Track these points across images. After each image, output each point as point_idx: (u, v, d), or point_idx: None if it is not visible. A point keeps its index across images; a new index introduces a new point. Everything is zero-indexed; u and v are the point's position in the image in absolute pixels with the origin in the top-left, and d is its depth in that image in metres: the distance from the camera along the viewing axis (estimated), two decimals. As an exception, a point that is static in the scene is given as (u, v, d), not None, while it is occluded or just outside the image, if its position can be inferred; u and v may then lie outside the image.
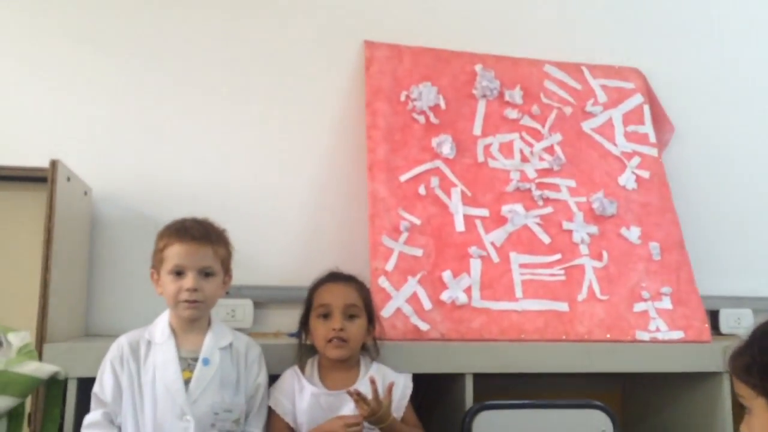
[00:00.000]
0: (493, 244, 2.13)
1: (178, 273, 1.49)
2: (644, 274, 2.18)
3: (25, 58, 2.13)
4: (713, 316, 2.38)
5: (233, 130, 2.23)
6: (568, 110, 2.38)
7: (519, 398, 1.76)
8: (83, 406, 1.56)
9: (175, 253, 1.49)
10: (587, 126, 2.38)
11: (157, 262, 1.53)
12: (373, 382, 1.47)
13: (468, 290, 2.05)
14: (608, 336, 2.05)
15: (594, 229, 2.22)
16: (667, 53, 2.62)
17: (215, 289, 1.53)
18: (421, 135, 2.23)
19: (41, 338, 1.60)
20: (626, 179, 2.32)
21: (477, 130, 2.29)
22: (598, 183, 2.30)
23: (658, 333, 2.09)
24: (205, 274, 1.51)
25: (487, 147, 2.27)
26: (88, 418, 1.46)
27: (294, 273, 2.13)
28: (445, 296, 2.02)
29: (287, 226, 2.21)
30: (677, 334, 2.10)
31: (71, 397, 1.55)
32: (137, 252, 2.04)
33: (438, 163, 2.20)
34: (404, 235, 2.07)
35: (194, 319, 1.52)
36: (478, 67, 2.36)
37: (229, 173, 2.20)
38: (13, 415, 1.05)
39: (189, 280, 1.48)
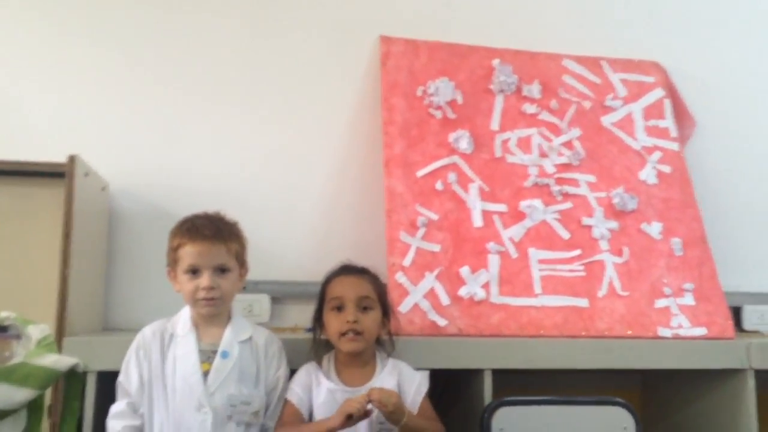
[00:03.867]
0: (511, 239, 2.11)
1: (194, 272, 1.50)
2: (666, 270, 2.15)
3: (44, 56, 2.15)
4: (736, 313, 2.34)
5: (249, 125, 2.23)
6: (587, 105, 2.35)
7: (538, 394, 1.74)
8: (103, 400, 1.57)
9: (189, 253, 1.49)
10: (607, 121, 2.35)
11: (172, 261, 1.54)
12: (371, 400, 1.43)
13: (486, 286, 2.03)
14: (629, 332, 2.02)
15: (614, 224, 2.19)
16: (688, 46, 2.59)
17: (232, 285, 1.53)
18: (437, 130, 2.21)
19: (60, 332, 1.61)
20: (647, 174, 2.29)
21: (495, 125, 2.27)
22: (618, 178, 2.27)
23: (680, 329, 2.05)
24: (221, 270, 1.51)
25: (504, 142, 2.25)
26: (114, 408, 1.47)
27: (311, 268, 2.12)
28: (463, 292, 2.00)
29: (304, 221, 2.21)
30: (700, 331, 2.07)
31: (90, 391, 1.56)
32: (155, 246, 2.03)
33: (455, 158, 2.19)
34: (421, 231, 2.06)
35: (213, 315, 1.53)
36: (495, 62, 2.33)
37: (245, 169, 2.20)
38: (33, 408, 1.05)
39: (205, 279, 1.48)
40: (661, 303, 2.10)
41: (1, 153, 1.87)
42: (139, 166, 2.13)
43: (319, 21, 2.33)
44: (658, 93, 2.45)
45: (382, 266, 1.88)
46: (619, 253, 2.15)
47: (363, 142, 2.27)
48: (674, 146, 2.37)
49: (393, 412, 1.42)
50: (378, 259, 1.93)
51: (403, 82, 2.25)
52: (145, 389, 1.48)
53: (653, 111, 2.41)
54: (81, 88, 2.15)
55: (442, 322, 1.95)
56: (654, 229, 2.21)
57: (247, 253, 1.60)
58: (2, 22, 2.14)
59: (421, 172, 2.14)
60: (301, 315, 2.12)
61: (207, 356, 1.49)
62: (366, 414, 1.42)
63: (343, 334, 1.53)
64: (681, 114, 2.47)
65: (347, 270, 1.63)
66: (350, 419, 1.40)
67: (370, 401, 1.41)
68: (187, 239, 1.50)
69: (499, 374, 1.76)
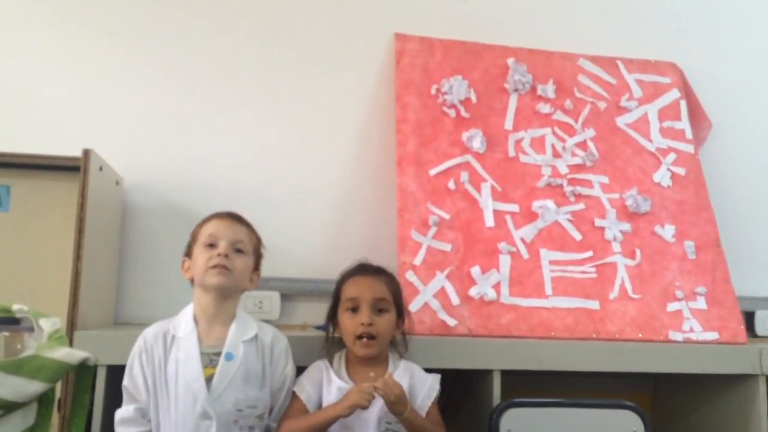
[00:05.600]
0: (522, 239, 2.10)
1: (211, 245, 1.50)
2: (678, 274, 2.13)
3: (60, 51, 2.16)
4: (749, 318, 2.32)
5: (262, 122, 2.24)
6: (602, 105, 2.34)
7: (547, 396, 1.73)
8: (112, 393, 1.58)
9: (210, 227, 1.52)
10: (621, 121, 2.34)
11: (192, 243, 1.54)
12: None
13: (497, 286, 2.02)
14: (640, 335, 2.01)
15: (627, 226, 2.17)
16: (705, 47, 2.56)
17: (244, 268, 1.51)
18: (451, 129, 2.21)
19: (72, 326, 1.63)
20: (661, 176, 2.27)
21: (508, 125, 2.26)
22: (632, 179, 2.25)
23: (691, 333, 2.04)
24: (237, 249, 1.51)
25: (518, 142, 2.24)
26: (121, 414, 1.44)
27: (321, 266, 2.13)
28: (473, 292, 2.00)
29: (315, 218, 2.21)
30: (711, 335, 2.05)
31: (100, 384, 1.57)
32: (167, 241, 2.06)
33: (468, 157, 2.18)
34: (433, 230, 2.06)
35: (222, 291, 1.48)
36: (510, 61, 2.32)
37: (258, 165, 2.21)
38: (43, 401, 1.05)
39: (221, 248, 1.48)
40: (673, 306, 2.08)
41: (18, 146, 1.88)
42: (153, 161, 2.14)
43: (335, 18, 2.33)
44: (674, 94, 2.42)
45: (392, 264, 1.87)
46: (632, 256, 2.13)
47: (376, 139, 2.27)
48: (689, 148, 2.35)
49: (395, 402, 1.42)
50: (389, 257, 1.93)
51: (417, 80, 2.25)
52: (150, 394, 1.44)
53: (669, 112, 2.39)
54: (97, 82, 2.16)
55: (452, 321, 1.95)
56: (667, 231, 2.19)
57: (262, 263, 1.61)
58: (19, 17, 2.15)
59: (433, 171, 2.14)
60: (311, 312, 2.13)
61: (210, 359, 1.44)
62: None
63: (359, 338, 1.52)
64: (696, 115, 2.45)
65: (363, 270, 1.62)
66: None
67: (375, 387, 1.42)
68: (212, 217, 1.55)
69: (508, 375, 1.75)
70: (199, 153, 2.19)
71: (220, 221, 1.53)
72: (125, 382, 1.47)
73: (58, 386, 1.28)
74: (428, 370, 1.62)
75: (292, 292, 2.14)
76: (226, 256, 1.47)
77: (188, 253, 1.56)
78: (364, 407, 1.42)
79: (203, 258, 1.48)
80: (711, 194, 2.29)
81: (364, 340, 1.52)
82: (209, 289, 1.48)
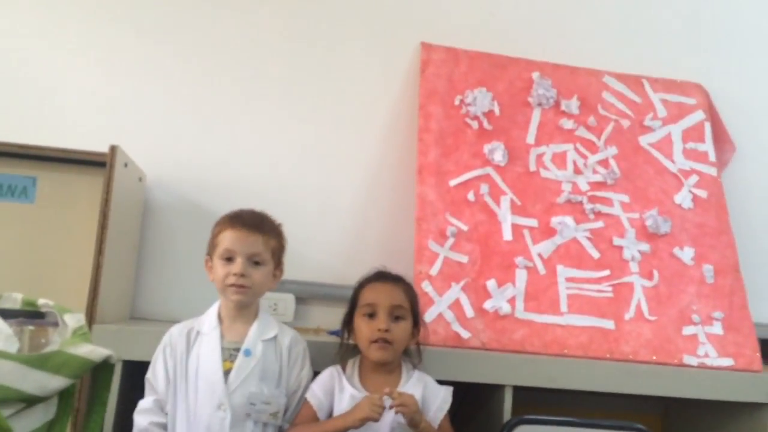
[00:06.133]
0: (540, 255, 2.10)
1: (228, 258, 1.51)
2: (695, 297, 2.12)
3: (88, 48, 2.19)
4: (765, 345, 2.29)
5: (286, 125, 2.25)
6: (625, 123, 2.33)
7: (557, 414, 1.72)
8: (127, 388, 1.60)
9: (226, 238, 1.52)
10: (645, 140, 2.33)
11: (212, 248, 1.56)
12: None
13: (512, 300, 2.02)
14: (654, 358, 1.99)
15: (646, 246, 2.16)
16: (731, 69, 2.55)
17: (263, 278, 1.54)
18: (473, 140, 2.21)
19: (91, 319, 1.64)
20: (683, 198, 2.26)
21: (530, 139, 2.25)
22: (652, 200, 2.24)
23: (706, 359, 2.02)
24: (254, 262, 1.52)
25: (539, 156, 2.24)
26: (141, 404, 1.50)
27: (338, 271, 2.14)
28: (488, 305, 2.00)
29: (333, 223, 2.22)
30: (726, 362, 2.03)
31: (116, 379, 1.59)
32: (186, 239, 2.08)
33: (489, 169, 2.18)
34: (450, 241, 2.06)
35: (242, 304, 1.53)
36: (535, 75, 2.32)
37: (279, 167, 2.22)
38: (64, 396, 1.07)
39: (237, 266, 1.50)
40: (688, 330, 2.07)
41: (45, 139, 1.90)
42: (176, 159, 2.16)
43: (361, 25, 2.34)
44: (699, 115, 2.41)
45: (409, 273, 1.88)
46: (649, 277, 2.12)
47: (398, 147, 2.28)
48: (712, 171, 2.33)
49: (416, 412, 1.43)
50: (405, 266, 1.94)
51: (442, 90, 2.25)
52: (170, 387, 1.49)
53: (693, 133, 2.38)
54: (123, 79, 2.18)
55: (465, 334, 1.95)
56: (686, 254, 2.18)
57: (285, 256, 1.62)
58: (47, 14, 2.18)
59: (453, 182, 2.14)
60: (325, 317, 2.13)
61: (230, 354, 1.50)
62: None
63: (373, 342, 1.53)
64: (721, 138, 2.43)
65: (382, 277, 1.62)
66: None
67: (390, 405, 1.42)
68: (227, 225, 1.54)
69: (519, 391, 1.75)
70: (221, 153, 2.20)
71: (236, 233, 1.52)
72: (148, 374, 1.52)
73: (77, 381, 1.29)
74: (440, 382, 1.62)
75: (306, 296, 2.15)
76: (243, 275, 1.49)
77: (209, 252, 1.58)
78: (375, 420, 1.42)
79: (222, 272, 1.51)
80: (731, 218, 2.27)
81: (380, 343, 1.52)
82: (230, 301, 1.54)
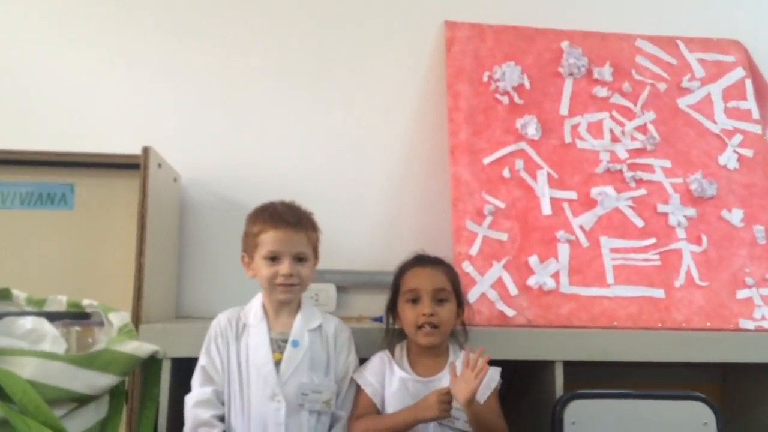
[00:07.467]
0: (581, 227, 2.05)
1: (273, 258, 1.50)
2: (748, 260, 2.05)
3: (120, 51, 2.20)
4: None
5: (315, 116, 2.24)
6: (662, 87, 2.26)
7: (610, 387, 1.69)
8: (177, 386, 1.61)
9: (271, 239, 1.50)
10: (683, 103, 2.25)
11: (250, 246, 1.54)
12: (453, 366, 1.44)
13: (556, 275, 1.98)
14: (708, 324, 1.94)
15: (692, 211, 2.09)
16: (769, 23, 2.44)
17: (309, 273, 1.55)
18: (504, 116, 2.17)
19: (137, 320, 1.66)
20: (727, 158, 2.18)
21: (564, 110, 2.20)
22: (696, 163, 2.17)
23: (763, 321, 1.96)
24: (299, 259, 1.52)
25: (574, 127, 2.18)
26: (198, 396, 1.47)
27: (376, 258, 2.13)
28: (531, 281, 1.96)
29: (369, 211, 2.21)
30: (785, 323, 1.96)
31: (165, 377, 1.60)
32: (224, 236, 2.09)
33: (523, 144, 2.14)
34: (488, 219, 2.02)
35: (289, 301, 1.54)
36: (564, 44, 2.26)
37: (311, 159, 2.21)
38: (115, 394, 1.08)
39: (285, 266, 1.49)
40: (742, 294, 2.00)
41: (80, 146, 1.93)
42: (209, 158, 2.16)
43: (384, 8, 2.31)
44: (739, 73, 2.32)
45: (448, 255, 1.85)
46: (698, 242, 2.06)
47: (428, 129, 2.25)
48: (756, 129, 2.25)
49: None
50: (444, 248, 1.91)
51: (469, 67, 2.21)
52: (225, 375, 1.50)
53: (733, 92, 2.29)
54: (154, 82, 2.19)
55: (510, 312, 1.92)
56: (735, 216, 2.10)
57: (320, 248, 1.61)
58: (79, 18, 2.20)
59: (487, 160, 2.10)
60: (367, 304, 2.12)
61: (278, 345, 1.50)
62: None
63: (420, 327, 1.52)
64: (763, 94, 2.34)
65: (422, 261, 1.61)
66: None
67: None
68: (269, 225, 1.52)
69: (570, 366, 1.71)
70: (252, 148, 2.20)
71: (280, 234, 1.50)
72: (203, 362, 1.51)
73: (126, 379, 1.31)
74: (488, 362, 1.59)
75: (347, 284, 2.14)
76: (291, 275, 1.49)
77: (246, 249, 1.57)
78: (447, 417, 1.42)
79: (267, 272, 1.50)
80: (781, 176, 2.19)
81: (427, 328, 1.51)
82: (278, 299, 1.53)
